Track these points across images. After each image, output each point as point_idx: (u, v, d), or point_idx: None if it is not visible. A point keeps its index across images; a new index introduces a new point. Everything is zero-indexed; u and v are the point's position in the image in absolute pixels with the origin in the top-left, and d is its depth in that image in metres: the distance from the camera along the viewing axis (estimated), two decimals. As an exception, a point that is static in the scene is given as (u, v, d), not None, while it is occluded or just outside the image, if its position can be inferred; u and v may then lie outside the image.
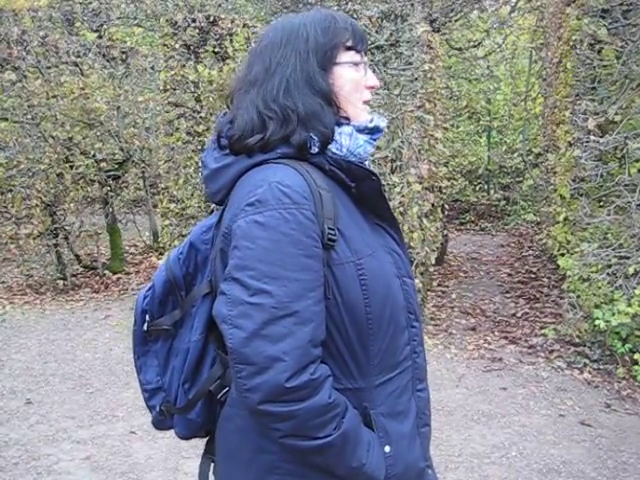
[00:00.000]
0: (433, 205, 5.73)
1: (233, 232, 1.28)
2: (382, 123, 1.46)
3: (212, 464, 1.51)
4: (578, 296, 4.89)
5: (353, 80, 1.39)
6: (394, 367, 1.38)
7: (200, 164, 1.59)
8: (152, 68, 8.25)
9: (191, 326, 1.47)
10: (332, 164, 1.34)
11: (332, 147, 1.36)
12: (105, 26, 10.63)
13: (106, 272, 7.98)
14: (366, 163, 1.44)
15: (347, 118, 1.39)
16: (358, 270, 1.30)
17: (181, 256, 1.50)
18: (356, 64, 1.40)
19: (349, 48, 1.39)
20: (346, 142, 1.37)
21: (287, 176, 1.27)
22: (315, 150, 1.34)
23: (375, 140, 1.44)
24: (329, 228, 1.27)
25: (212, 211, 6.26)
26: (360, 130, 1.40)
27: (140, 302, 1.53)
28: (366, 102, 1.43)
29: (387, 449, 1.33)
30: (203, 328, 1.44)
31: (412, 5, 5.70)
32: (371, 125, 1.42)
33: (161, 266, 1.54)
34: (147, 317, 1.52)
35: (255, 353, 1.20)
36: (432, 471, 1.49)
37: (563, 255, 5.33)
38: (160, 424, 1.58)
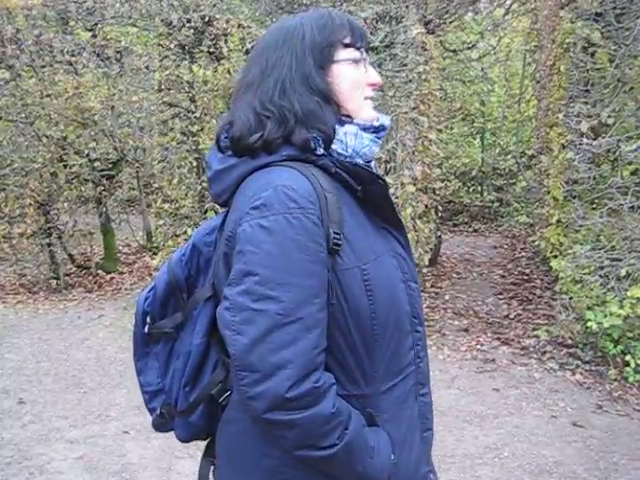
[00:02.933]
0: (427, 206, 5.75)
1: (237, 236, 1.25)
2: (386, 121, 1.44)
3: (212, 467, 1.50)
4: (570, 298, 4.91)
5: (352, 77, 1.37)
6: (399, 373, 1.37)
7: (205, 165, 1.57)
8: (147, 68, 8.22)
9: (193, 329, 1.45)
10: (338, 166, 1.32)
11: (337, 147, 1.34)
12: (99, 25, 10.59)
13: (99, 272, 7.98)
14: (372, 164, 1.42)
15: (349, 116, 1.37)
16: (363, 275, 1.28)
17: (183, 258, 1.48)
18: (356, 61, 1.38)
19: (347, 45, 1.37)
20: (351, 142, 1.35)
21: (293, 179, 1.25)
22: (320, 151, 1.31)
23: (380, 139, 1.42)
24: (334, 232, 1.25)
25: (206, 211, 6.27)
26: (365, 129, 1.38)
27: (141, 303, 1.51)
28: (367, 98, 1.41)
29: (392, 456, 1.32)
30: (205, 331, 1.42)
31: (407, 7, 5.72)
32: (377, 124, 1.40)
33: (163, 267, 1.52)
34: (148, 319, 1.50)
35: (259, 360, 1.18)
36: (434, 476, 1.48)
37: (556, 257, 5.35)
38: (160, 427, 1.56)
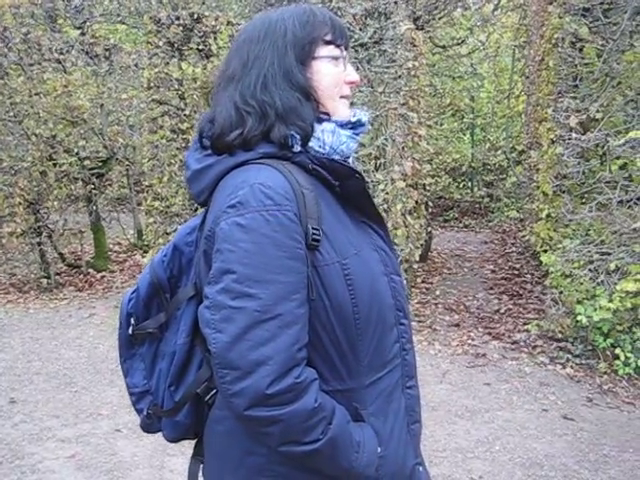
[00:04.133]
0: (417, 202, 5.76)
1: (216, 235, 1.26)
2: (364, 117, 1.44)
3: (201, 465, 1.50)
4: (560, 292, 4.94)
5: (331, 75, 1.37)
6: (384, 366, 1.37)
7: (184, 165, 1.58)
8: (136, 65, 8.20)
9: (177, 329, 1.45)
10: (315, 163, 1.32)
11: (314, 145, 1.34)
12: (88, 23, 10.57)
13: (90, 270, 7.95)
14: (350, 160, 1.43)
15: (327, 114, 1.37)
16: (344, 270, 1.28)
17: (165, 258, 1.48)
18: (335, 58, 1.38)
19: (328, 42, 1.37)
20: (329, 139, 1.35)
21: (269, 177, 1.25)
22: (297, 148, 1.32)
23: (358, 135, 1.42)
24: (313, 228, 1.25)
25: (197, 209, 6.26)
26: (342, 125, 1.38)
27: (125, 305, 1.51)
28: (344, 97, 1.41)
29: (378, 450, 1.32)
30: (189, 331, 1.42)
31: (396, 3, 5.71)
32: (354, 119, 1.41)
33: (145, 268, 1.52)
34: (132, 320, 1.50)
35: (239, 357, 1.18)
36: (423, 468, 1.48)
37: (546, 252, 5.38)
38: (148, 427, 1.56)
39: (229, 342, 1.19)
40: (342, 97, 1.41)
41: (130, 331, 1.50)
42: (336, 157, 1.37)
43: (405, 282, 5.51)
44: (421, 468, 1.47)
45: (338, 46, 1.39)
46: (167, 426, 1.51)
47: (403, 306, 1.43)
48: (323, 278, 1.27)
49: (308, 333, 1.25)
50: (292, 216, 1.23)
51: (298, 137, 1.31)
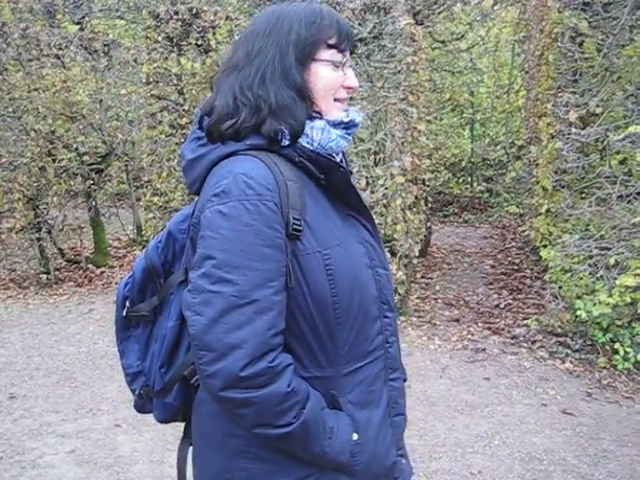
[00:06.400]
0: (416, 197, 5.75)
1: (201, 222, 1.31)
2: (358, 117, 1.47)
3: (190, 447, 1.55)
4: (560, 287, 4.94)
5: (328, 78, 1.40)
6: (364, 356, 1.40)
7: (179, 155, 1.63)
8: (135, 61, 8.19)
9: (168, 313, 1.51)
10: (301, 156, 1.36)
11: (303, 141, 1.38)
12: (87, 18, 10.55)
13: (90, 266, 7.95)
14: (339, 156, 1.46)
15: (319, 113, 1.41)
16: (325, 260, 1.32)
17: (160, 244, 1.54)
18: (335, 64, 1.41)
19: (331, 46, 1.40)
20: (317, 136, 1.38)
21: (252, 168, 1.30)
22: (286, 142, 1.35)
23: (350, 135, 1.46)
24: (294, 218, 1.29)
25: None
26: (335, 125, 1.41)
27: (121, 289, 1.58)
28: (339, 99, 1.44)
29: (355, 437, 1.36)
30: (178, 314, 1.47)
31: (395, -3, 5.69)
32: (346, 120, 1.43)
33: (141, 254, 1.58)
34: (127, 303, 1.56)
35: (215, 340, 1.23)
36: (406, 460, 1.51)
37: (545, 246, 5.38)
38: (141, 407, 1.62)
39: (206, 324, 1.24)
40: (337, 100, 1.43)
41: (124, 313, 1.56)
42: (322, 152, 1.40)
43: (404, 277, 5.51)
44: (404, 460, 1.51)
45: (342, 51, 1.41)
46: (157, 407, 1.57)
47: (388, 299, 1.46)
48: (303, 267, 1.31)
49: (287, 320, 1.30)
50: (272, 206, 1.27)
51: (287, 132, 1.35)
